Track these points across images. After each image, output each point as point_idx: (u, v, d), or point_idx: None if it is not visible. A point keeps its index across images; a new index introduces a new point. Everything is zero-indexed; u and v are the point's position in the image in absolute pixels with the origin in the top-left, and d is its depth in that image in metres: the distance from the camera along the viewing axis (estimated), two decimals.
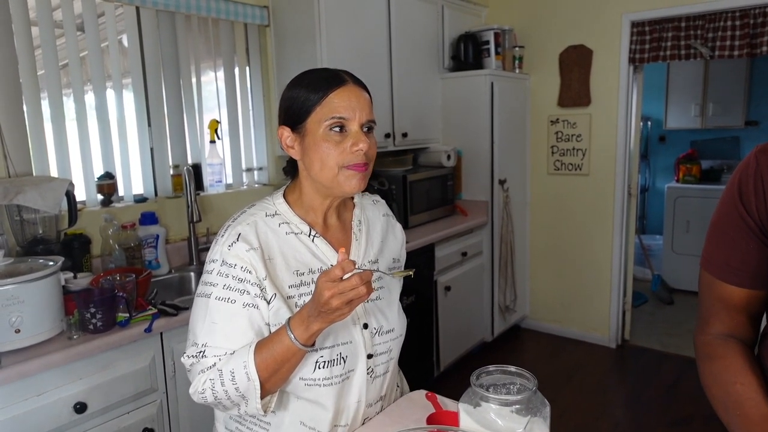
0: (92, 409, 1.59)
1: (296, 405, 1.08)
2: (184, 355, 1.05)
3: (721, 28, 3.11)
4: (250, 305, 1.02)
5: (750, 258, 0.91)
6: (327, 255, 1.10)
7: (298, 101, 1.04)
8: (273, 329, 1.03)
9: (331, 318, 0.92)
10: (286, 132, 1.08)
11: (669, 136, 5.65)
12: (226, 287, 1.01)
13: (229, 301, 1.01)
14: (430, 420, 1.10)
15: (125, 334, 1.66)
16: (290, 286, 1.05)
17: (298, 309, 1.02)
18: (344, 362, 1.07)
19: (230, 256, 1.02)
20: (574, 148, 3.72)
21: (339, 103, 1.02)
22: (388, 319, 1.15)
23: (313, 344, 0.98)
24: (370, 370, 1.11)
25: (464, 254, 3.35)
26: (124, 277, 1.82)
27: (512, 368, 0.98)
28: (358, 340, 1.09)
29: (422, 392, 1.26)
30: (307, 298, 1.05)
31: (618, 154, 3.58)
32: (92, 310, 1.61)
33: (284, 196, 1.13)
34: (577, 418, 2.91)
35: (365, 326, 1.10)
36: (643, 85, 3.66)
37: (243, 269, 1.01)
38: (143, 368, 1.73)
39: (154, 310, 1.79)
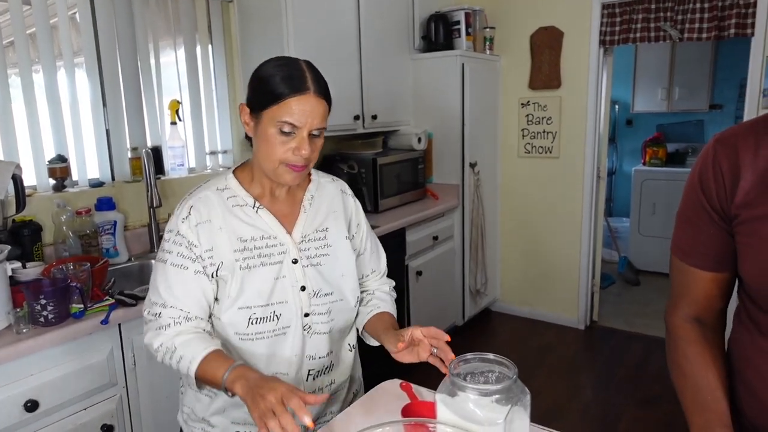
0: (45, 406, 1.50)
1: (233, 354, 1.17)
2: (145, 309, 1.16)
3: (690, 10, 3.12)
4: (200, 272, 1.13)
5: (713, 243, 0.97)
6: (269, 224, 1.18)
7: (261, 89, 1.10)
8: (221, 295, 1.14)
9: (253, 402, 0.93)
10: (246, 110, 1.15)
11: (636, 119, 5.72)
12: (179, 255, 1.13)
13: (182, 267, 1.13)
14: (406, 411, 1.05)
15: (80, 327, 1.57)
16: (235, 251, 1.14)
17: (241, 271, 1.13)
18: (278, 319, 1.16)
19: (183, 229, 1.13)
20: (544, 131, 3.71)
21: (295, 109, 1.07)
22: (329, 283, 1.22)
23: (229, 393, 1.03)
24: (307, 327, 1.19)
25: (435, 238, 3.32)
26: (79, 266, 1.72)
27: (491, 356, 0.93)
28: (294, 301, 1.17)
29: (396, 381, 1.21)
30: (250, 263, 1.14)
31: (587, 137, 3.58)
32: (42, 301, 1.51)
33: (234, 172, 1.22)
34: (548, 400, 2.93)
35: (303, 288, 1.18)
36: (613, 67, 3.65)
37: (190, 243, 1.13)
38: (100, 362, 1.64)
39: (112, 301, 1.70)
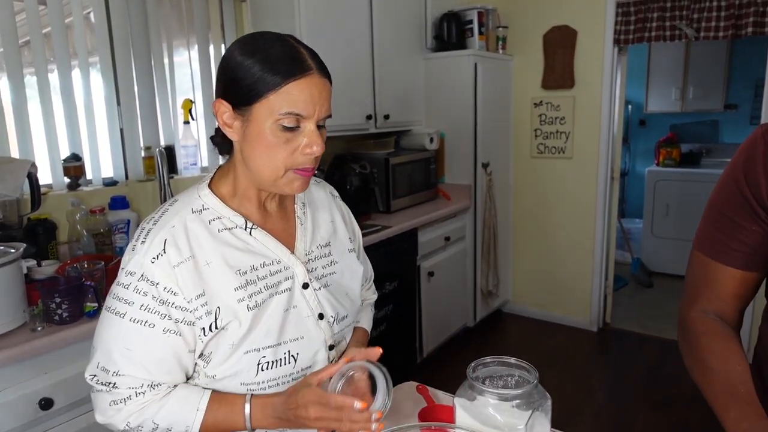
0: (59, 404, 1.50)
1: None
2: (90, 375, 0.92)
3: (707, 8, 3.08)
4: (172, 332, 0.89)
5: (751, 241, 0.91)
6: (269, 247, 0.97)
7: (246, 77, 0.86)
8: (216, 348, 0.92)
9: (301, 424, 0.87)
10: (225, 107, 0.91)
11: (649, 119, 5.66)
12: (144, 308, 0.88)
13: (147, 324, 0.88)
14: (423, 415, 1.04)
15: (94, 326, 1.53)
16: (236, 289, 0.92)
17: (250, 312, 0.92)
18: (295, 361, 0.96)
19: (154, 272, 0.88)
20: (557, 131, 3.67)
21: (299, 96, 0.86)
22: (343, 305, 1.05)
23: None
24: (333, 362, 1.01)
25: (447, 239, 3.30)
26: (93, 264, 1.72)
27: (511, 360, 0.92)
28: (315, 334, 0.99)
29: (412, 384, 1.20)
30: (259, 298, 0.93)
31: (601, 138, 3.54)
32: (57, 299, 1.51)
33: (211, 186, 0.99)
34: (560, 402, 2.87)
35: (320, 317, 1.00)
36: (627, 67, 3.62)
37: (167, 290, 0.88)
38: None
39: None
